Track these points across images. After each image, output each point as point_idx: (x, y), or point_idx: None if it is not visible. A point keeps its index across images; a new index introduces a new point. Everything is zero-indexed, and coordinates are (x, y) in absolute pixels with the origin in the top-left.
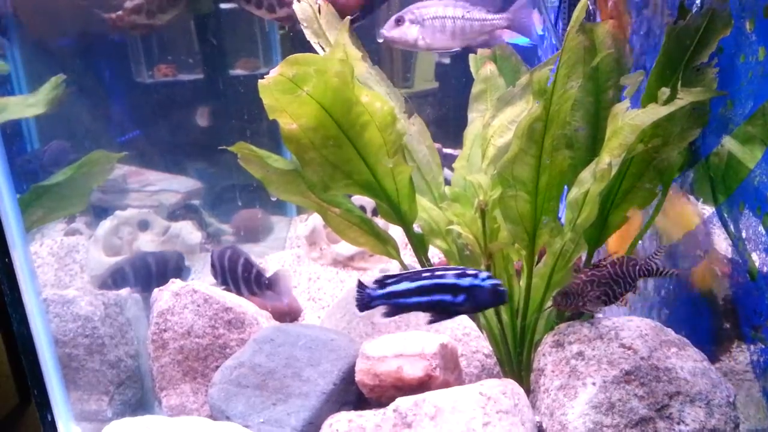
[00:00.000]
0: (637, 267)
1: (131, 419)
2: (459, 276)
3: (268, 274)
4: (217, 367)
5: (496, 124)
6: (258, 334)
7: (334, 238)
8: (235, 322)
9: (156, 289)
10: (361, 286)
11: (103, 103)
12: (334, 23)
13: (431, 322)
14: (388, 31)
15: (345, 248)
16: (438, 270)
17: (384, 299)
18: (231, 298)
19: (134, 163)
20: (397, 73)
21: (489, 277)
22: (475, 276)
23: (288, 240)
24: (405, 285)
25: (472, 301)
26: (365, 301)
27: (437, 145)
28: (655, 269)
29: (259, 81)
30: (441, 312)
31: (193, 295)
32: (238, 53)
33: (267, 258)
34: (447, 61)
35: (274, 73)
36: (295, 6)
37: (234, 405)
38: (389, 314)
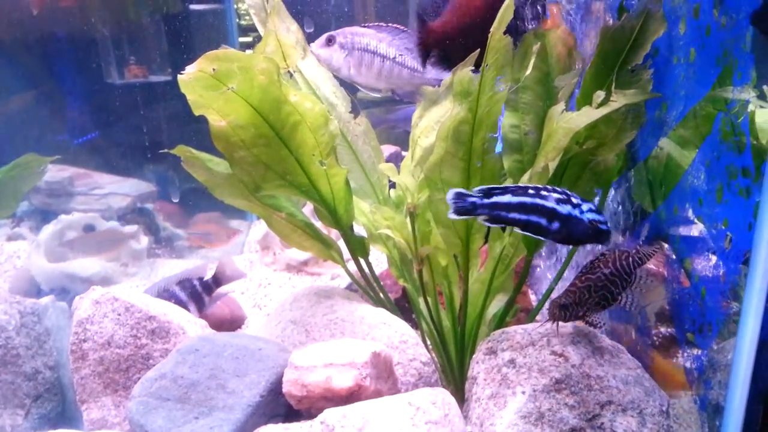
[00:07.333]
0: (630, 259)
1: None
2: (560, 201)
3: (209, 274)
4: (140, 378)
5: (423, 124)
6: (182, 345)
7: None
8: (159, 332)
9: (77, 297)
10: (460, 195)
11: (62, 105)
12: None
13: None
14: (316, 48)
15: (298, 253)
16: (544, 190)
17: (488, 209)
18: (155, 307)
19: (89, 165)
20: None
21: (591, 210)
22: (576, 206)
23: (246, 245)
24: (508, 198)
25: (565, 231)
26: (468, 208)
27: (396, 149)
28: (646, 256)
29: (179, 76)
30: (535, 234)
31: (114, 303)
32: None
33: None
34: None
35: (192, 68)
36: None
37: (153, 419)
38: (489, 222)
